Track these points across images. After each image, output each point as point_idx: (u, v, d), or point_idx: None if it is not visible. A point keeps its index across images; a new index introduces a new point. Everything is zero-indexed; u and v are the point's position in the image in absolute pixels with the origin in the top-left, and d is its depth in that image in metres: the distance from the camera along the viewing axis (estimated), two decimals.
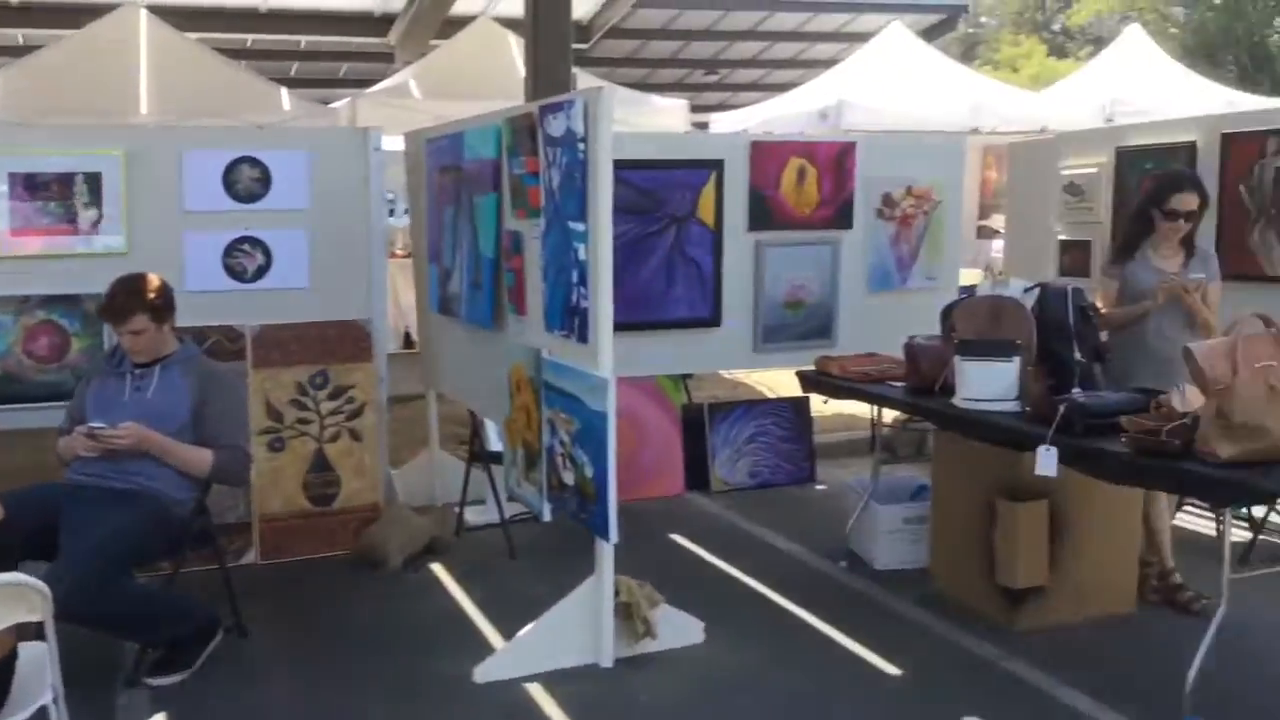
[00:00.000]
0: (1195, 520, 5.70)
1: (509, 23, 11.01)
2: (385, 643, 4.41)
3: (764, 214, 6.17)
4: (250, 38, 12.65)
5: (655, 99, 10.72)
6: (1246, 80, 23.51)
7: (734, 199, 6.06)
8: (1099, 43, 25.50)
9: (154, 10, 9.64)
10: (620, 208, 5.98)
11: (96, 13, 9.51)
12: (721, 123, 12.37)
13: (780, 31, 17.64)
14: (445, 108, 7.77)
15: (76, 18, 9.67)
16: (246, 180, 5.31)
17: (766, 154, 6.15)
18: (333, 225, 5.49)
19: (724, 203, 6.05)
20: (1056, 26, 37.74)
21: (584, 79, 12.17)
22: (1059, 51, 32.40)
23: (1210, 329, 4.41)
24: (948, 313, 4.47)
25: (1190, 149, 5.54)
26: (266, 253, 5.37)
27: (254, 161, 5.31)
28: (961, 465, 4.67)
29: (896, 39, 12.05)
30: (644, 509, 6.22)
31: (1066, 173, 6.28)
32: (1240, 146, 5.28)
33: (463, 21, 10.97)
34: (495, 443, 5.60)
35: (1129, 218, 4.82)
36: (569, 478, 4.06)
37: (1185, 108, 10.17)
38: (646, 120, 10.38)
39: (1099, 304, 4.62)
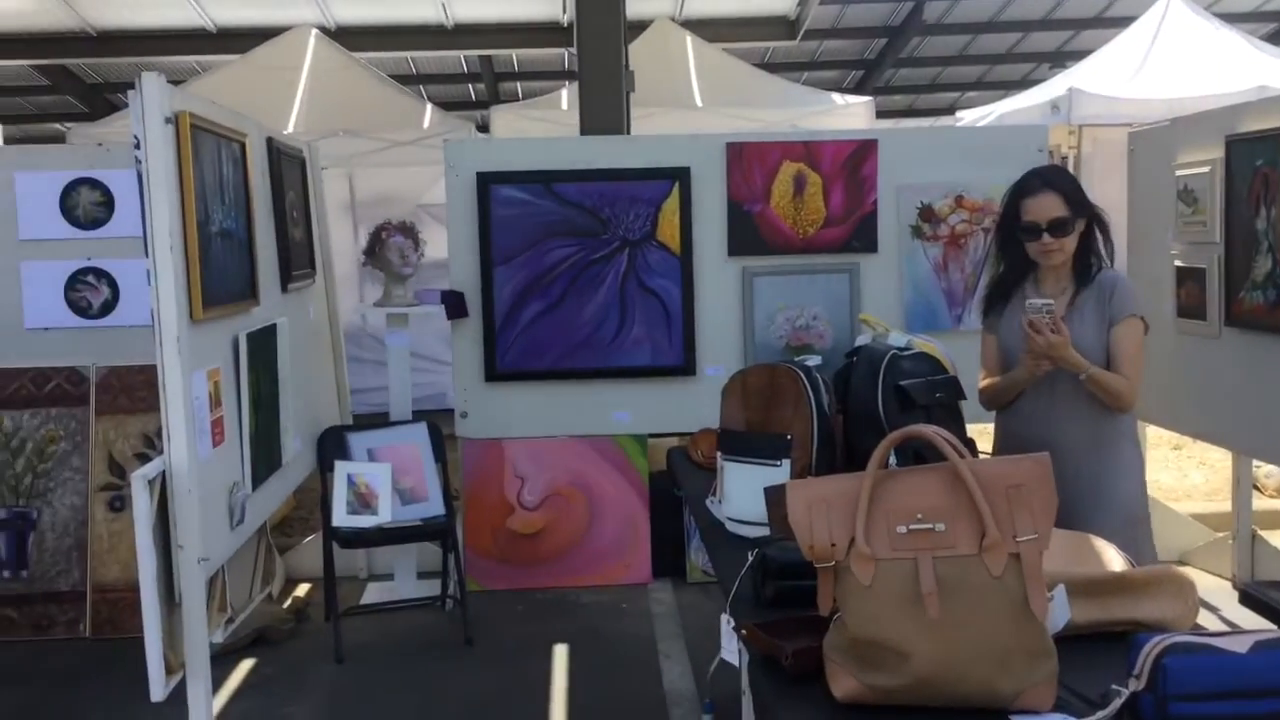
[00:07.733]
0: None
1: (694, 23, 9.97)
2: None
3: (749, 235, 4.83)
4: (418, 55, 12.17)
5: (835, 97, 9.18)
6: None
7: (708, 216, 4.82)
8: None
9: (337, 32, 9.55)
10: (553, 231, 4.89)
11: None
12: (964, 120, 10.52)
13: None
14: None
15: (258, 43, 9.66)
16: (87, 204, 4.72)
17: (750, 158, 4.79)
18: None
19: (692, 221, 4.80)
20: None
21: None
22: None
23: (1112, 391, 2.72)
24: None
25: None
26: (113, 285, 4.77)
27: (94, 183, 4.71)
28: None
29: (1175, 16, 9.60)
30: (587, 602, 4.97)
31: (1181, 173, 4.34)
32: None
33: (642, 25, 9.97)
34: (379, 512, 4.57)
35: (994, 245, 3.10)
36: None
37: None
38: (824, 122, 8.90)
39: (982, 374, 3.00)
